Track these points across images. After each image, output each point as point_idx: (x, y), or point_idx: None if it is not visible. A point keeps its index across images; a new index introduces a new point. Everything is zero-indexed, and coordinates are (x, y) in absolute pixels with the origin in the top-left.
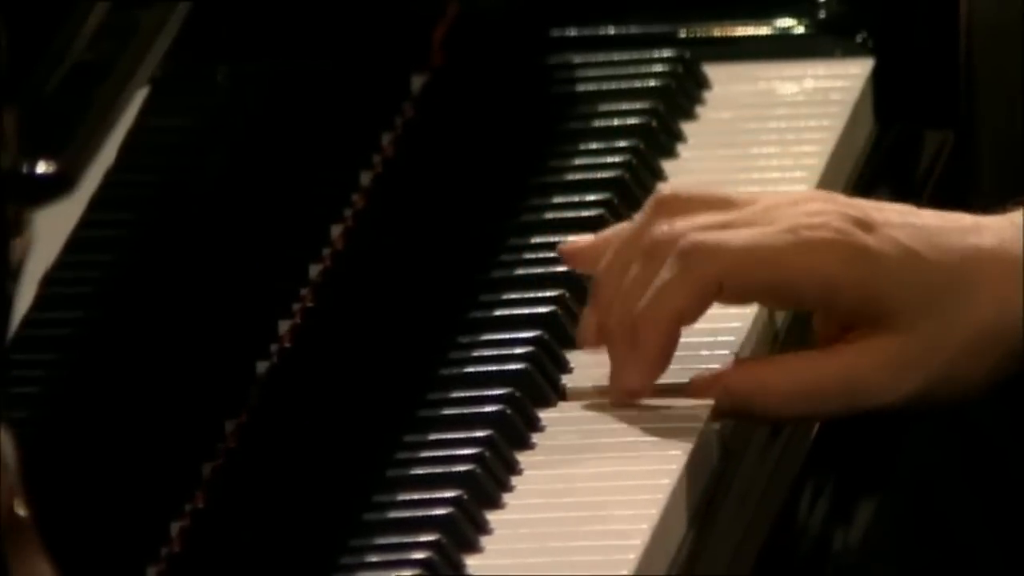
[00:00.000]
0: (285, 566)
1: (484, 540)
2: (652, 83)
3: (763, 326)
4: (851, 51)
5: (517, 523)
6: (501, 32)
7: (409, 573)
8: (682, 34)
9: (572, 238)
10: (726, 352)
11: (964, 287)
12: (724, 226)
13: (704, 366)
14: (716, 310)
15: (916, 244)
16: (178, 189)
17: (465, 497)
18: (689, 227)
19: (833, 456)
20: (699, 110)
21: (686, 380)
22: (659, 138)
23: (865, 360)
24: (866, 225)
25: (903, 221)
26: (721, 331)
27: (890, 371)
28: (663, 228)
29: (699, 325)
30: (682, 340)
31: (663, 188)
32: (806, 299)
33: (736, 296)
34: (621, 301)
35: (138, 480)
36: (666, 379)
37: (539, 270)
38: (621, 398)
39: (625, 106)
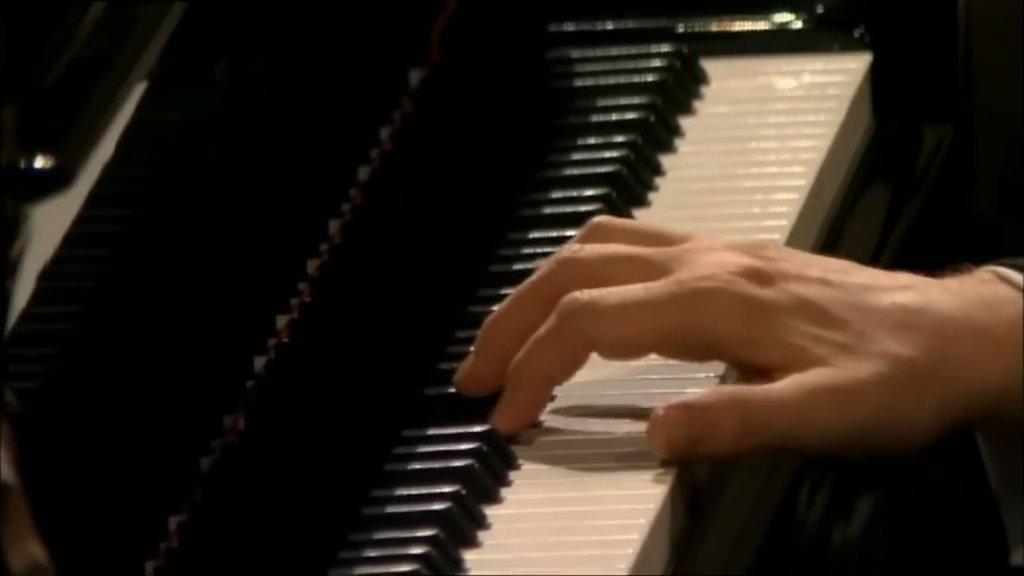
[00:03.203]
0: (283, 561)
1: (482, 535)
2: (650, 78)
3: None
4: (849, 46)
5: (515, 518)
6: (499, 27)
7: (407, 568)
8: (680, 29)
9: (571, 232)
10: (712, 374)
11: (878, 333)
12: (632, 264)
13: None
14: None
15: (820, 296)
16: (176, 184)
17: (463, 492)
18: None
19: None
20: (697, 105)
21: (684, 375)
22: (657, 133)
23: (801, 386)
24: (765, 278)
25: (817, 275)
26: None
27: (828, 397)
28: (557, 280)
29: None
30: None
31: (598, 218)
32: (693, 349)
33: (614, 353)
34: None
35: (136, 475)
36: (664, 374)
37: (537, 265)
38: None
39: (623, 101)
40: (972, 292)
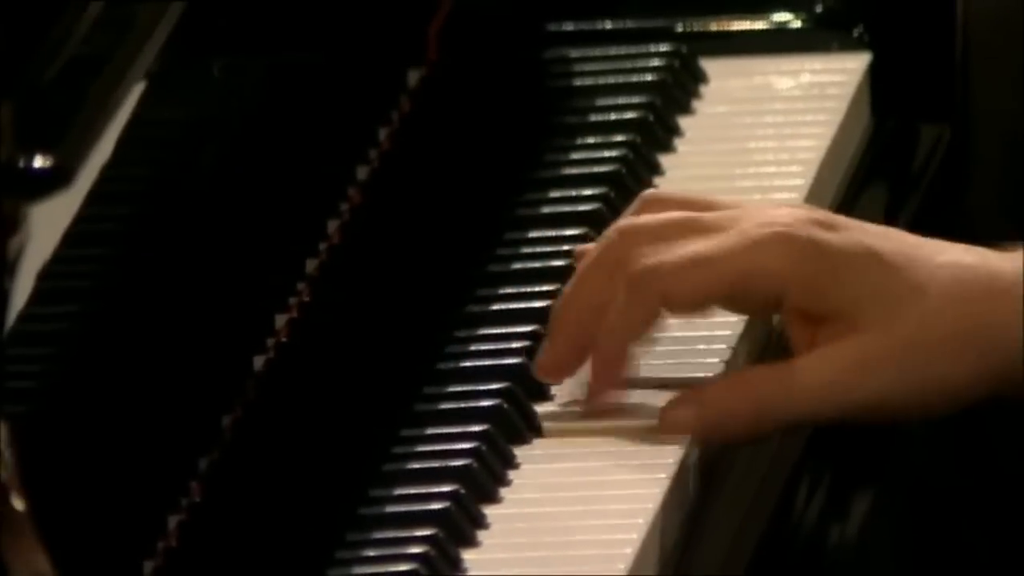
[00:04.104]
0: (282, 560)
1: (481, 535)
2: (648, 78)
3: (757, 328)
4: (848, 45)
5: (514, 518)
6: (497, 26)
7: (405, 568)
8: (679, 28)
9: (569, 232)
10: (717, 360)
11: (931, 292)
12: (690, 227)
13: (700, 361)
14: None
15: (882, 246)
16: (175, 183)
17: (462, 492)
18: (639, 250)
19: (829, 450)
20: (696, 104)
21: (682, 375)
22: (656, 133)
23: (825, 364)
24: (827, 225)
25: (876, 230)
26: (716, 337)
27: (849, 374)
28: (620, 250)
29: (692, 332)
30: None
31: (649, 191)
32: (757, 297)
33: (686, 308)
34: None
35: (135, 474)
36: (662, 374)
37: (536, 264)
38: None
39: (622, 101)
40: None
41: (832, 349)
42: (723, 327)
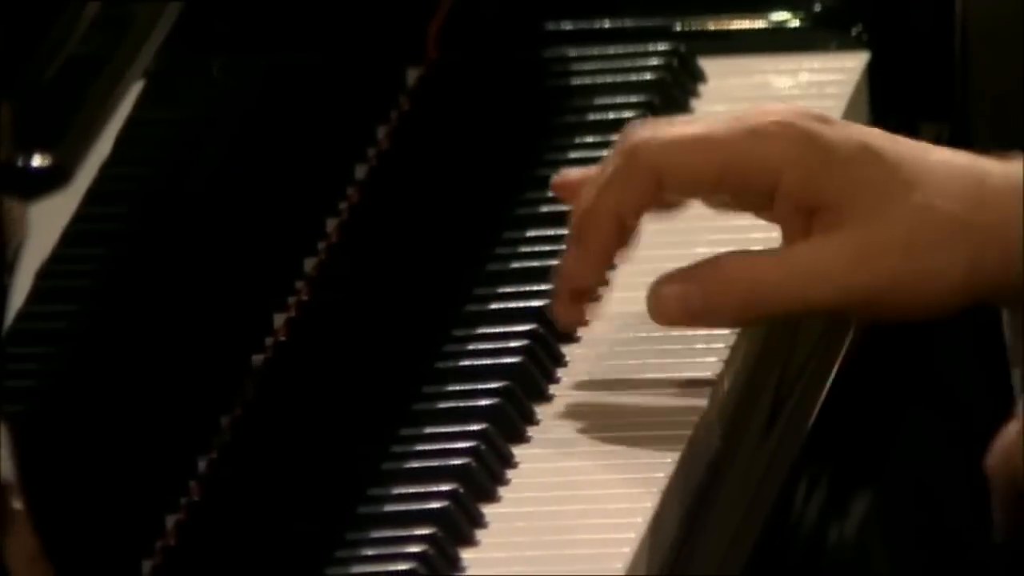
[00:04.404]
0: (280, 559)
1: (479, 533)
2: (647, 77)
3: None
4: (846, 45)
5: (512, 516)
6: (496, 25)
7: (404, 566)
8: (677, 28)
9: (567, 231)
10: (716, 359)
11: (925, 186)
12: (704, 123)
13: (700, 360)
14: None
15: (876, 141)
16: (173, 182)
17: (460, 490)
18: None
19: (829, 448)
20: (694, 104)
21: (680, 375)
22: None
23: (820, 251)
24: (823, 120)
25: (870, 128)
26: (716, 336)
27: (845, 260)
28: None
29: (692, 332)
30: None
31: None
32: (751, 183)
33: (682, 189)
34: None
35: (133, 473)
36: (660, 374)
37: (534, 263)
38: (561, 286)
39: (620, 100)
40: None
41: (827, 238)
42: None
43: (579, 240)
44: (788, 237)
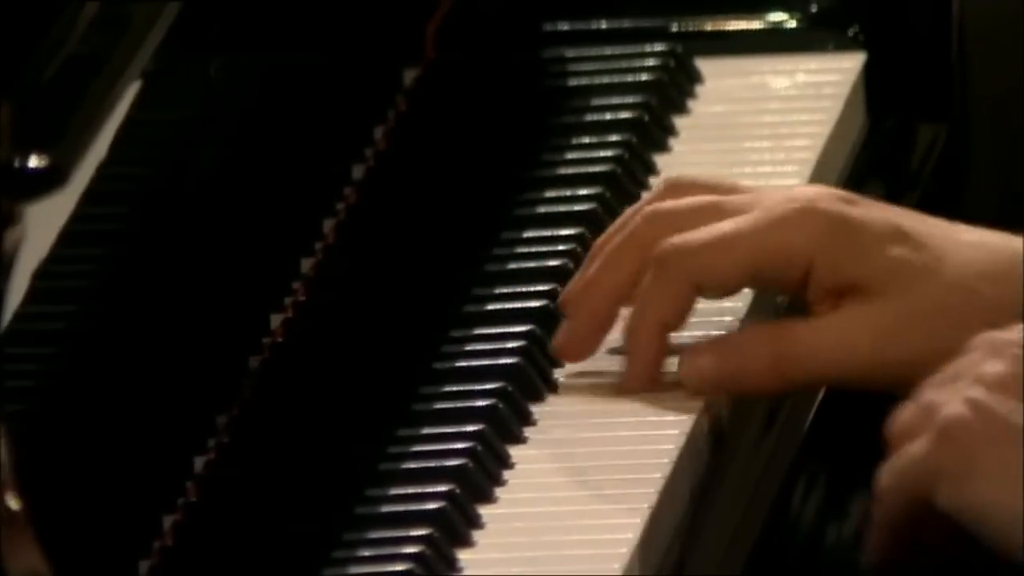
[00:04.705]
0: (277, 560)
1: (476, 534)
2: (644, 77)
3: (763, 303)
4: (843, 45)
5: (509, 517)
6: (493, 26)
7: (401, 567)
8: (674, 28)
9: (565, 232)
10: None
11: (954, 264)
12: (714, 210)
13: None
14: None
15: (904, 221)
16: (170, 183)
17: (457, 491)
18: (666, 233)
19: (827, 449)
20: (691, 104)
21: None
22: (651, 132)
23: (848, 322)
24: (850, 200)
25: (896, 208)
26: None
27: (872, 334)
28: (646, 234)
29: (692, 332)
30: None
31: (672, 177)
32: (786, 274)
33: (718, 290)
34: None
35: (130, 474)
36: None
37: (531, 264)
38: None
39: (617, 100)
40: None
41: (855, 311)
42: (722, 327)
43: (633, 355)
44: (819, 312)
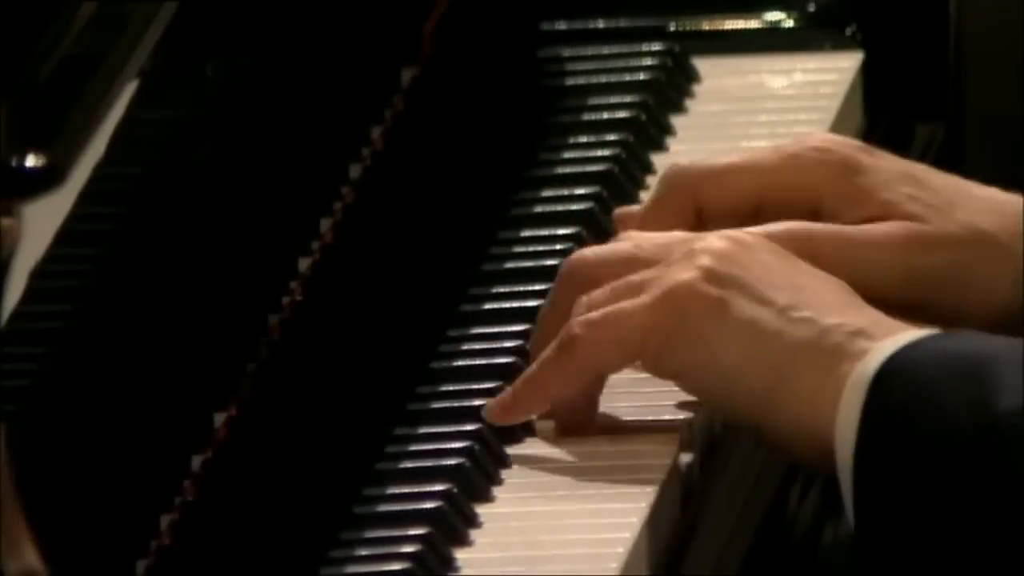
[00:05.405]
0: (275, 559)
1: (473, 534)
2: (641, 77)
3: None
4: (841, 44)
5: (506, 517)
6: (491, 26)
7: (399, 566)
8: (671, 28)
9: (562, 231)
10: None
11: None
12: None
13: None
14: None
15: (919, 171)
16: (167, 182)
17: (455, 491)
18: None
19: None
20: (689, 104)
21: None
22: (649, 132)
23: (877, 229)
24: (866, 150)
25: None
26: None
27: (901, 240)
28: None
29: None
30: None
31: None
32: (790, 208)
33: (717, 212)
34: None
35: (128, 473)
36: (653, 387)
37: (528, 264)
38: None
39: (614, 100)
40: None
41: (883, 224)
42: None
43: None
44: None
